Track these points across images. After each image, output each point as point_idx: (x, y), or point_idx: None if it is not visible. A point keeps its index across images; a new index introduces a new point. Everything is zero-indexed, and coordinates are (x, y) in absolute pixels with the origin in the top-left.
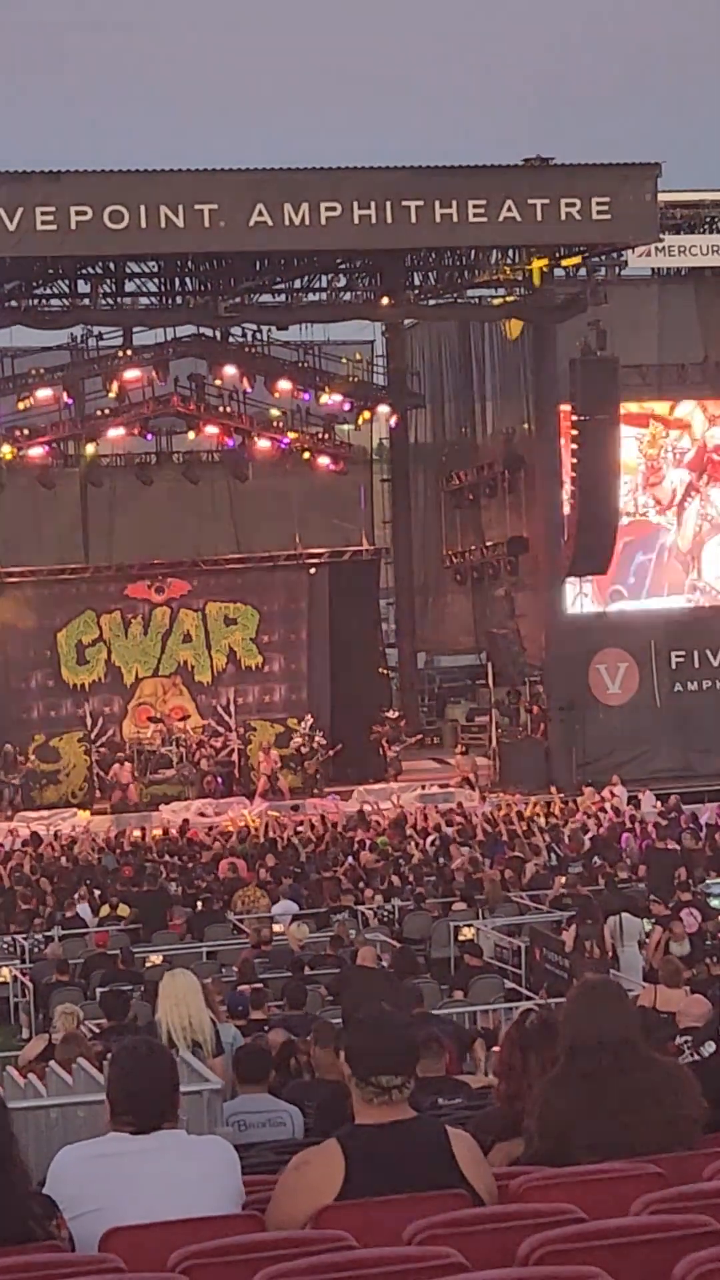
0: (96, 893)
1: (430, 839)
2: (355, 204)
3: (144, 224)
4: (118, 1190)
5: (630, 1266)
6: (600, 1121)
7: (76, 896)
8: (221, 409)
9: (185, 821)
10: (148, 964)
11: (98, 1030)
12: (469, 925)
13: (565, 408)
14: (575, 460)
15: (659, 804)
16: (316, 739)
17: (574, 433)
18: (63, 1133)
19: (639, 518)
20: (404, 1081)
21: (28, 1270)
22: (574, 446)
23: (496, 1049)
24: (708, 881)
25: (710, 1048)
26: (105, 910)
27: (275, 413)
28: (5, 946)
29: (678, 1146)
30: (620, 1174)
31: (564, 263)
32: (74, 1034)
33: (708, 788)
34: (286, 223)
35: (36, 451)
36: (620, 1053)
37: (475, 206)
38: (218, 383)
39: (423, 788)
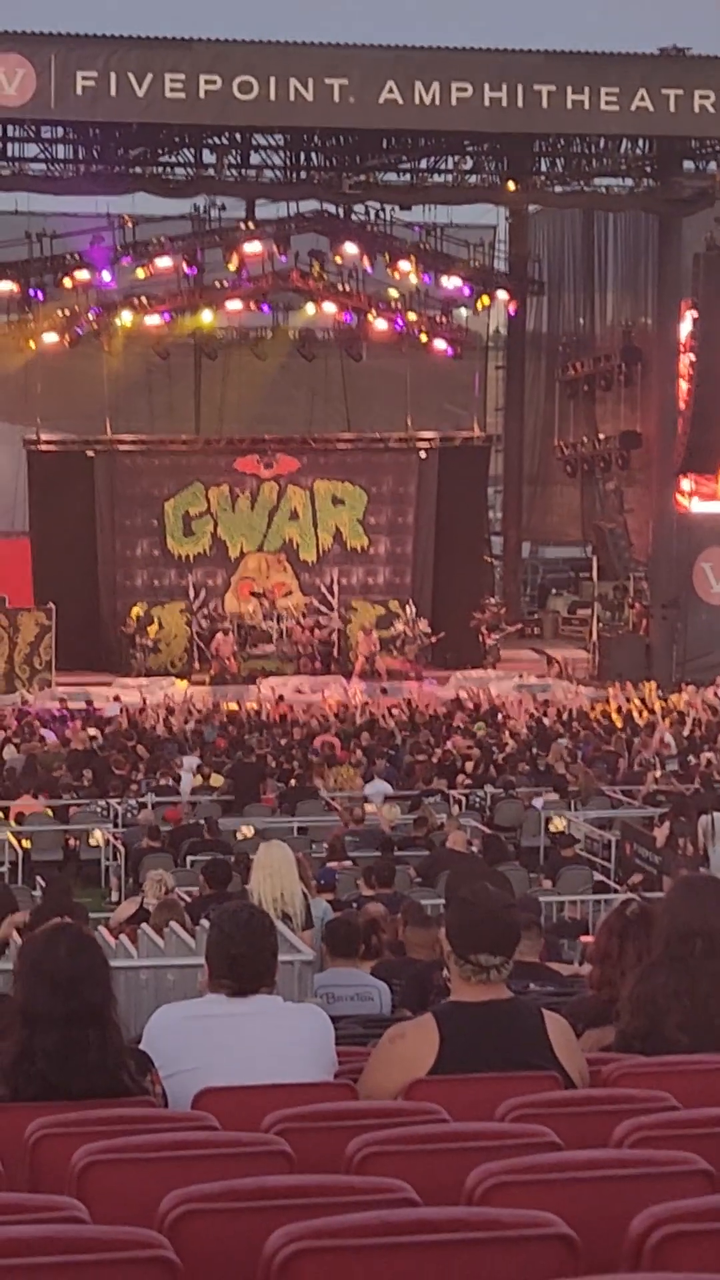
0: (192, 762)
1: (525, 728)
2: (487, 86)
3: (273, 96)
4: (213, 1051)
5: None
6: (693, 1008)
7: (173, 764)
8: (340, 287)
9: (282, 697)
10: (239, 836)
11: (189, 897)
12: (560, 815)
13: (686, 303)
14: (693, 357)
15: None
16: (419, 625)
17: (694, 329)
18: (153, 994)
19: None
20: (503, 962)
21: (122, 1124)
22: (693, 343)
23: (587, 938)
24: None
25: None
26: (199, 780)
27: (394, 293)
28: (99, 810)
29: None
30: (713, 1065)
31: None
32: (170, 900)
33: None
34: (416, 101)
35: (153, 320)
36: (715, 942)
37: (608, 94)
38: (338, 260)
39: (520, 677)
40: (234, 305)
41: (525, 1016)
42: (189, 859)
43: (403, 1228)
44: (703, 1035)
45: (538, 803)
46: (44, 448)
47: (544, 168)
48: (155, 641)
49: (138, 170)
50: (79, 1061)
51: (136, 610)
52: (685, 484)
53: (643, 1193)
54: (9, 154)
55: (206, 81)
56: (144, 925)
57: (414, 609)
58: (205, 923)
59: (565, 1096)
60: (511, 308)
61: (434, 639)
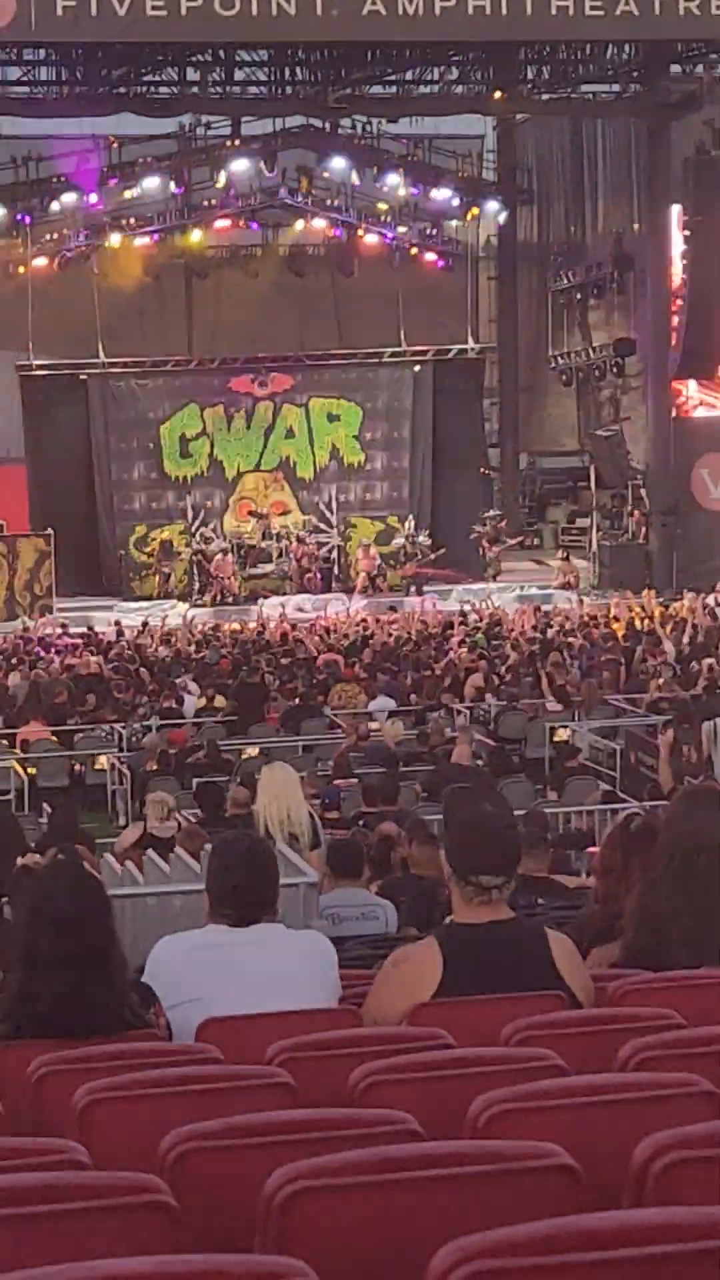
0: (194, 683)
1: (527, 639)
2: None
3: (255, 11)
4: (215, 981)
5: None
6: (696, 923)
7: (177, 683)
8: (329, 202)
9: (283, 616)
10: (243, 755)
11: (193, 819)
12: (564, 726)
13: (677, 208)
14: (686, 262)
15: None
16: (420, 540)
17: (685, 234)
18: (159, 920)
19: None
20: (504, 882)
21: (126, 1058)
22: (685, 248)
23: (594, 850)
24: None
25: None
26: (202, 702)
27: (383, 207)
28: (103, 735)
29: None
30: (717, 980)
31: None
32: (193, 829)
33: None
34: (400, 12)
35: (143, 241)
36: (717, 856)
37: None
38: (325, 175)
39: (521, 589)
40: (223, 224)
41: (528, 936)
42: (194, 780)
43: (403, 1163)
44: (706, 950)
45: (542, 714)
46: (37, 372)
47: (530, 76)
48: (153, 562)
49: (122, 90)
50: (82, 1002)
51: (150, 536)
52: (687, 389)
53: (647, 1117)
54: None
55: None
56: (149, 850)
57: (414, 523)
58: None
59: (569, 1017)
60: (502, 218)
61: (434, 555)
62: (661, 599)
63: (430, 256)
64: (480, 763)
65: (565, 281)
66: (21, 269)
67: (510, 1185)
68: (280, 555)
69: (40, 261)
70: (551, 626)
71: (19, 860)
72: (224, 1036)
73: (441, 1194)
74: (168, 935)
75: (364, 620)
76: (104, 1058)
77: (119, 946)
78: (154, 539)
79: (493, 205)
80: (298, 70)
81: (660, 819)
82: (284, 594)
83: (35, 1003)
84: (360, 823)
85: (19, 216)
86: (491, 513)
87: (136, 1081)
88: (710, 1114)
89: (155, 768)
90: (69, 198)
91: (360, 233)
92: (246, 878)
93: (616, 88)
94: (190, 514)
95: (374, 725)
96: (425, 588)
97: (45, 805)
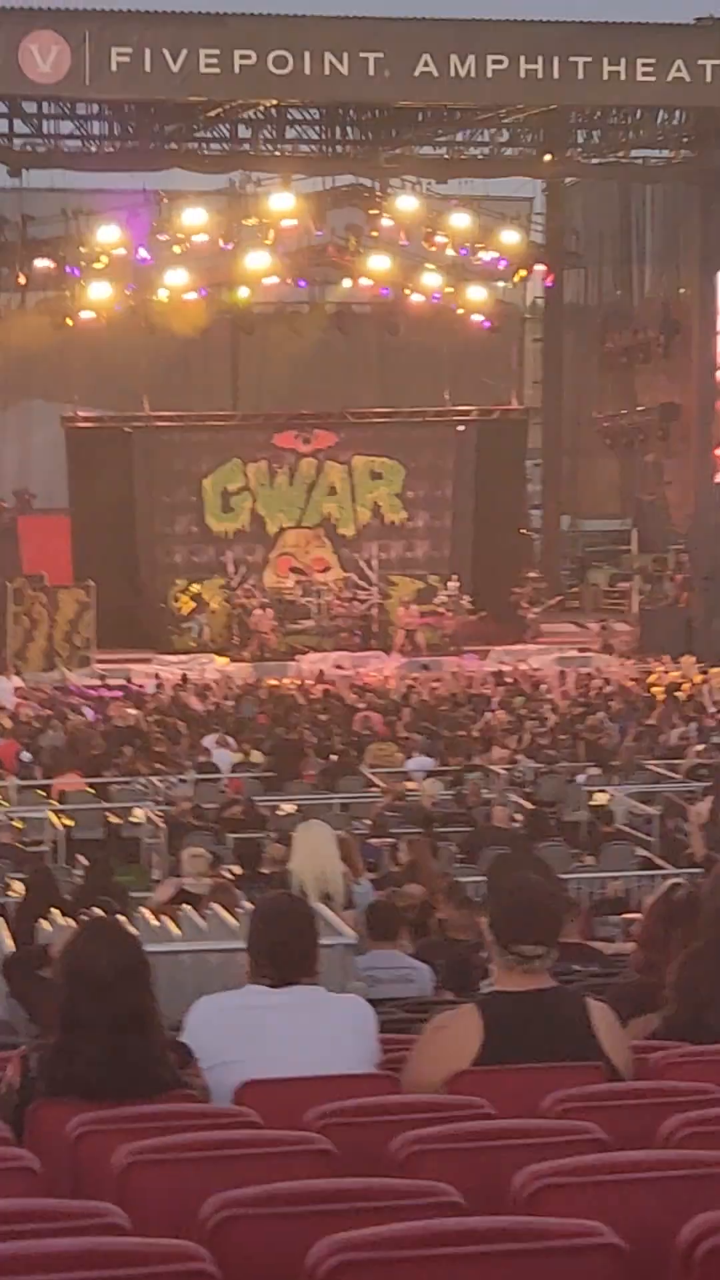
0: (231, 739)
1: (567, 702)
2: (522, 58)
3: (308, 70)
4: (254, 1043)
5: None
6: None
7: (215, 741)
8: (376, 261)
9: (322, 673)
10: (279, 812)
11: (232, 876)
12: (602, 790)
13: None
14: None
15: None
16: (463, 601)
17: None
18: (194, 976)
19: None
20: (546, 951)
21: (164, 1119)
22: None
23: (630, 915)
24: None
25: None
26: (239, 757)
27: (430, 266)
28: (140, 787)
29: None
30: None
31: None
32: (223, 884)
33: None
34: (452, 74)
35: (190, 296)
36: None
37: (644, 65)
38: (374, 234)
39: (561, 651)
40: (270, 280)
41: (569, 1005)
42: (229, 836)
43: (449, 1238)
44: None
45: (580, 777)
46: (82, 425)
47: (580, 140)
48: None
49: (173, 146)
50: (121, 1064)
51: (185, 593)
52: None
53: (692, 1195)
54: (45, 131)
55: (241, 56)
56: (185, 906)
57: (457, 583)
58: (247, 904)
59: (611, 1089)
60: (549, 280)
61: (475, 616)
62: (702, 664)
63: (476, 317)
64: (517, 825)
65: (611, 344)
66: (69, 321)
67: (556, 1263)
68: (319, 612)
69: (87, 314)
70: (590, 690)
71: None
72: (262, 1099)
73: (488, 1270)
74: (206, 995)
75: (405, 679)
76: (142, 1119)
77: (157, 1007)
78: (186, 593)
79: (540, 267)
80: (348, 129)
81: (704, 890)
82: (322, 650)
83: (72, 1063)
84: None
85: (68, 269)
86: (532, 574)
87: (176, 1145)
88: None
89: (192, 821)
90: (119, 252)
91: (407, 292)
92: (286, 937)
93: (667, 153)
94: (231, 568)
95: (411, 785)
96: (465, 648)
97: (80, 857)
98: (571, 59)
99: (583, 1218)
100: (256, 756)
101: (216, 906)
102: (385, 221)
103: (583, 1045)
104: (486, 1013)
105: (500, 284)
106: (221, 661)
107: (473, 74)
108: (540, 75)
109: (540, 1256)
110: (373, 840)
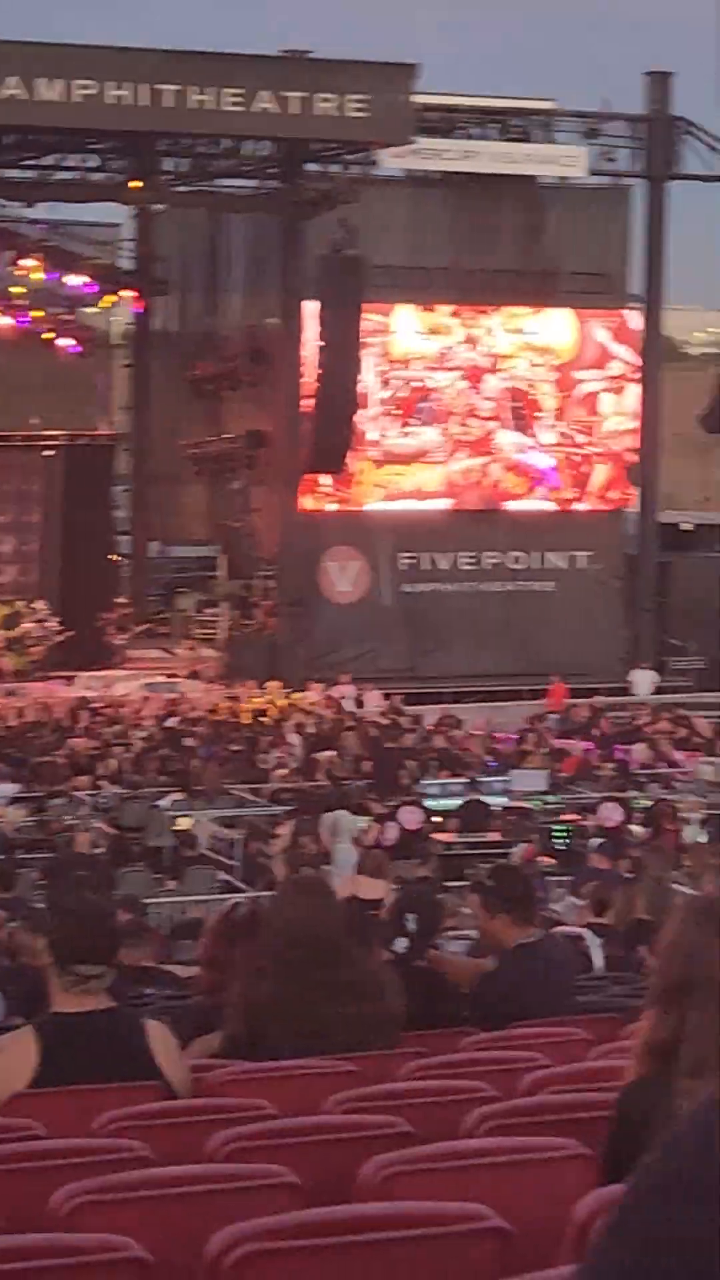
0: None
1: (153, 727)
2: (110, 84)
3: None
4: None
5: (317, 1165)
6: (300, 1015)
7: None
8: None
9: None
10: None
11: None
12: (186, 815)
13: (311, 304)
14: (318, 358)
15: (384, 702)
16: (49, 624)
17: (318, 330)
18: None
19: None
20: (103, 971)
21: None
22: (319, 344)
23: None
24: (424, 781)
25: (403, 944)
26: None
27: (17, 290)
28: None
29: (378, 1045)
30: (316, 1071)
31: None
32: None
33: (430, 689)
34: (39, 98)
35: None
36: (323, 948)
37: (231, 95)
38: None
39: (148, 677)
40: None
41: (126, 1026)
42: None
43: None
44: (308, 1043)
45: (164, 802)
46: None
47: (168, 167)
48: None
49: None
50: None
51: None
52: (319, 481)
53: (228, 1208)
54: None
55: None
56: None
57: (45, 606)
58: None
59: (161, 1108)
60: (137, 306)
61: (61, 638)
62: (287, 690)
63: (65, 342)
64: (100, 851)
65: (200, 372)
66: None
67: (88, 1277)
68: None
69: None
70: (176, 715)
71: None
72: None
73: None
74: None
75: None
76: None
77: None
78: None
79: (128, 293)
80: None
81: (264, 908)
82: None
83: None
84: None
85: None
86: (120, 600)
87: None
88: (292, 1205)
89: None
90: None
91: None
92: None
93: (254, 183)
94: None
95: None
96: (51, 674)
97: None
98: (158, 86)
99: (118, 1233)
100: None
101: None
102: None
103: (139, 1065)
104: (42, 1035)
105: (89, 309)
106: None
107: (60, 98)
108: (128, 101)
109: (69, 1272)
110: None
